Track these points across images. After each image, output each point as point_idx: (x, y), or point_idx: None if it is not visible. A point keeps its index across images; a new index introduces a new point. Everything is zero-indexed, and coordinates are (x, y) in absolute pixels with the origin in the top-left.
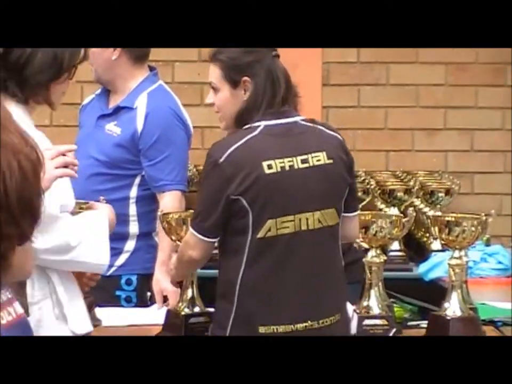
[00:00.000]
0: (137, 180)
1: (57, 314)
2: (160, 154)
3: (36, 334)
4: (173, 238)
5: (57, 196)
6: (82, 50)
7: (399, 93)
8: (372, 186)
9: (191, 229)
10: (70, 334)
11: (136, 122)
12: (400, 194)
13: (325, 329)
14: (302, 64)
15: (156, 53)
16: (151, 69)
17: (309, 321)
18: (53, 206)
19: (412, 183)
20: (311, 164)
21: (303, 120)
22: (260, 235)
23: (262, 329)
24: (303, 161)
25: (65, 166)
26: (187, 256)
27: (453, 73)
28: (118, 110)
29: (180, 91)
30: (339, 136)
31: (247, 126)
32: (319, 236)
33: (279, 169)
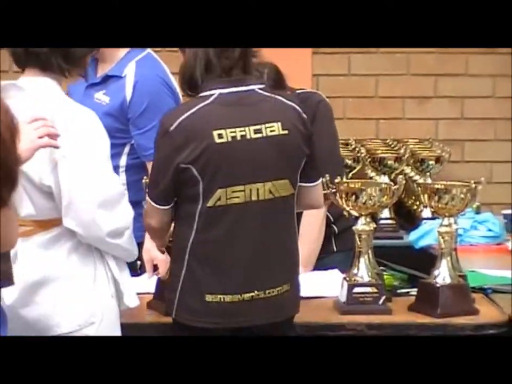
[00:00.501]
0: (127, 149)
1: (113, 292)
2: (150, 122)
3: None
4: None
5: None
6: None
7: (389, 60)
8: (362, 155)
9: (146, 196)
10: (123, 308)
11: (125, 90)
12: (390, 162)
13: (272, 299)
14: None
15: None
16: None
17: (255, 291)
18: (116, 181)
19: (402, 151)
20: (265, 134)
21: (260, 89)
22: (209, 204)
23: (209, 298)
24: (256, 131)
25: (49, 136)
26: (147, 224)
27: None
28: (106, 78)
29: (170, 59)
30: (297, 107)
31: (201, 95)
32: (270, 206)
33: (229, 139)
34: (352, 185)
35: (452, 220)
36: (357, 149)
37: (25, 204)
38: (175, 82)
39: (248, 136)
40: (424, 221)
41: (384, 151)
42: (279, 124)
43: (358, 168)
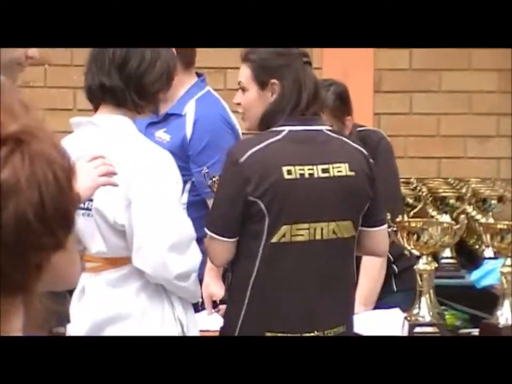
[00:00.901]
0: (188, 186)
1: (179, 331)
2: (210, 159)
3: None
4: None
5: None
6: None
7: (451, 99)
8: (424, 193)
9: (207, 231)
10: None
11: (185, 128)
12: (452, 201)
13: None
14: (354, 71)
15: (208, 60)
16: (199, 75)
17: (316, 331)
18: (188, 224)
19: (464, 190)
20: (332, 174)
21: (328, 130)
22: (274, 240)
23: (269, 335)
24: (324, 171)
25: (108, 174)
26: (211, 258)
27: (506, 80)
28: (167, 117)
29: (232, 97)
30: (364, 150)
31: (271, 129)
32: (333, 247)
33: (298, 176)
34: (413, 224)
35: None
36: (418, 188)
37: (97, 241)
38: (234, 119)
39: (315, 175)
40: (486, 260)
41: (445, 190)
42: (346, 165)
43: (419, 207)
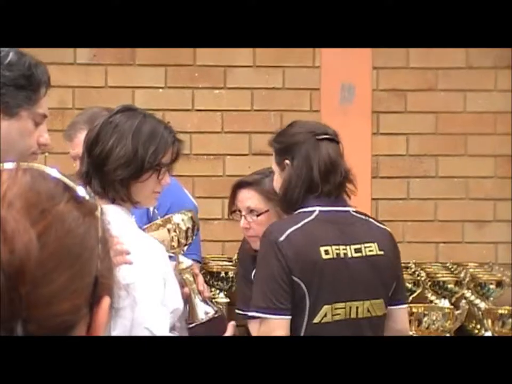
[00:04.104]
0: None
1: None
2: None
3: None
4: None
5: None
6: (173, 148)
7: (448, 185)
8: (423, 278)
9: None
10: None
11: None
12: (451, 286)
13: None
14: (351, 157)
15: (207, 147)
16: None
17: None
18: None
19: (462, 274)
20: (364, 254)
21: (354, 211)
22: (316, 320)
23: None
24: (356, 250)
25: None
26: None
27: (502, 166)
28: None
29: (232, 183)
30: (388, 229)
31: (302, 210)
32: (367, 325)
33: (335, 256)
34: (415, 309)
35: None
36: (417, 273)
37: None
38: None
39: (349, 255)
40: None
41: (444, 275)
42: (376, 244)
43: (418, 291)
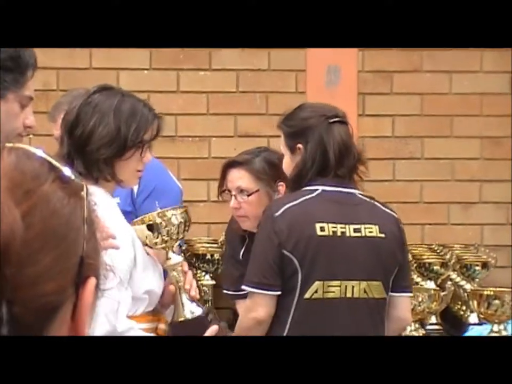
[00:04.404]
0: None
1: None
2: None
3: None
4: None
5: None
6: (153, 125)
7: (434, 166)
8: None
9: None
10: None
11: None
12: (436, 267)
13: None
14: None
15: (192, 129)
16: None
17: None
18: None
19: (448, 256)
20: (363, 234)
21: (360, 194)
22: (307, 295)
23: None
24: (356, 230)
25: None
26: (251, 320)
27: (488, 147)
28: None
29: (217, 165)
30: (395, 215)
31: (305, 188)
32: (364, 306)
33: (331, 233)
34: None
35: (501, 326)
36: None
37: None
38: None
39: (347, 234)
40: (471, 326)
41: (430, 257)
42: (377, 227)
43: None
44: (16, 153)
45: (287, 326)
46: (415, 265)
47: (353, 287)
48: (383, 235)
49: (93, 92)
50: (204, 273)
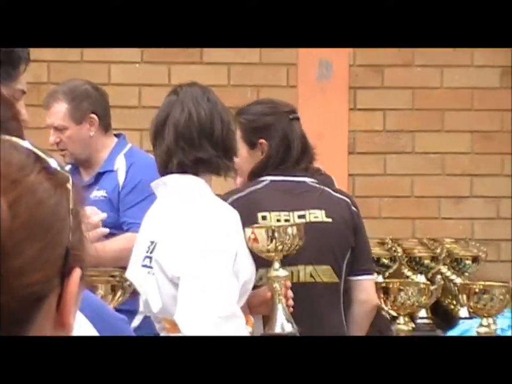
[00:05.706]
0: None
1: None
2: (140, 197)
3: None
4: None
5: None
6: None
7: (424, 160)
8: (399, 254)
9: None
10: None
11: (117, 179)
12: (427, 261)
13: None
14: (328, 133)
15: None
16: (117, 135)
17: None
18: (232, 299)
19: (438, 250)
20: (308, 220)
21: (312, 181)
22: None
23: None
24: (300, 217)
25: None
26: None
27: (479, 142)
28: (98, 176)
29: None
30: (347, 199)
31: (255, 180)
32: (312, 291)
33: (274, 222)
34: (391, 285)
35: (490, 320)
36: (394, 248)
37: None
38: None
39: (291, 221)
40: (462, 320)
41: (420, 251)
42: (323, 212)
43: (394, 267)
44: (2, 144)
45: None
46: (405, 259)
47: (299, 271)
48: (329, 219)
49: None
50: None
